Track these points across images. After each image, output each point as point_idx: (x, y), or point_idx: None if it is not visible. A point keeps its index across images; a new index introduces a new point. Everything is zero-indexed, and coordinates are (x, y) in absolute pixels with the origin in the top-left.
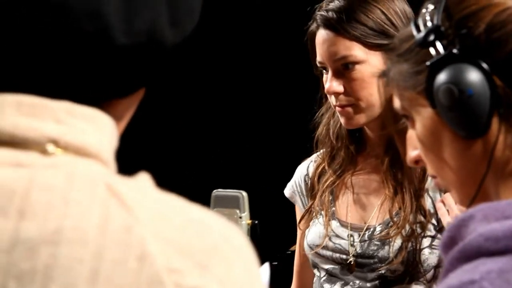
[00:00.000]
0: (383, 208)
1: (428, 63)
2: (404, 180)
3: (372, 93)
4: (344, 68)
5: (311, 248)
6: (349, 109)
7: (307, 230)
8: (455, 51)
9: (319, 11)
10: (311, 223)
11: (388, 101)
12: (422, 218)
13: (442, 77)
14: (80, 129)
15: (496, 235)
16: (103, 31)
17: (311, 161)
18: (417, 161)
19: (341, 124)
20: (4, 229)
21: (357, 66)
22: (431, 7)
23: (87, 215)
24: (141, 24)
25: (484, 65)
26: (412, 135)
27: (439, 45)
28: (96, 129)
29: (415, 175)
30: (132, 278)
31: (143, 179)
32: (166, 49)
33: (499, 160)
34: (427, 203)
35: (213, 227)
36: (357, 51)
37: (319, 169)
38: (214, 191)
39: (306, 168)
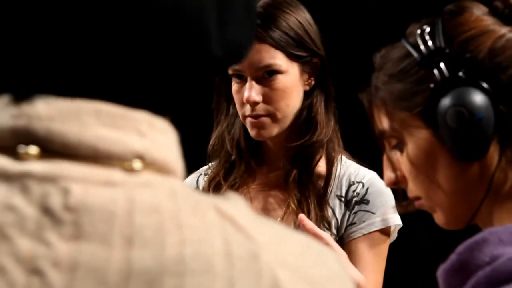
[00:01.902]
0: (285, 221)
1: (432, 85)
2: (309, 192)
3: (289, 104)
4: (265, 77)
5: None
6: (265, 119)
7: None
8: (460, 74)
9: None
10: None
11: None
12: (325, 230)
13: (449, 99)
14: (161, 143)
15: None
16: (202, 40)
17: (200, 174)
18: (396, 182)
19: (241, 135)
20: (111, 260)
21: (279, 76)
22: (427, 28)
23: (207, 241)
24: (231, 35)
25: (489, 89)
26: (390, 156)
27: (443, 67)
28: (171, 144)
29: (318, 187)
30: None
31: (239, 201)
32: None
33: (495, 182)
34: (329, 214)
35: (325, 253)
36: (280, 60)
37: (214, 183)
38: None
39: (195, 181)
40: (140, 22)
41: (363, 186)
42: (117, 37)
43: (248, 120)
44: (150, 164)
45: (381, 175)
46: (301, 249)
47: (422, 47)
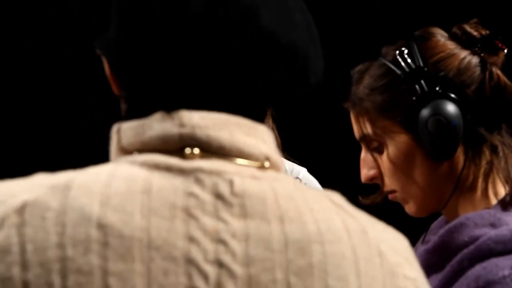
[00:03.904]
0: None
1: (414, 97)
2: None
3: None
4: None
5: None
6: None
7: None
8: (437, 88)
9: None
10: None
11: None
12: None
13: (429, 110)
14: (273, 148)
15: (503, 239)
16: (306, 72)
17: None
18: (372, 178)
19: None
20: (271, 232)
21: None
22: (405, 50)
23: (331, 220)
24: (317, 68)
25: (459, 102)
26: (367, 157)
27: (423, 83)
28: (275, 148)
29: None
30: (378, 271)
31: (337, 194)
32: None
33: (461, 177)
34: None
35: (395, 232)
36: None
37: None
38: None
39: None
40: (269, 60)
41: (300, 181)
42: (252, 74)
43: None
44: (273, 164)
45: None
46: (384, 227)
47: (404, 66)
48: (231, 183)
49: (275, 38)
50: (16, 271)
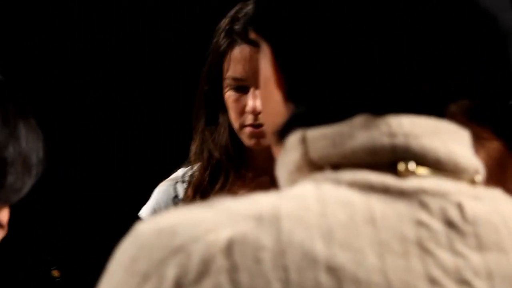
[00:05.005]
0: None
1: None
2: None
3: None
4: None
5: None
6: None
7: None
8: None
9: (234, 25)
10: None
11: None
12: None
13: None
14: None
15: None
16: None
17: (176, 182)
18: None
19: (229, 142)
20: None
21: None
22: None
23: None
24: None
25: None
26: None
27: None
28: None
29: None
30: None
31: None
32: None
33: None
34: None
35: None
36: None
37: (200, 189)
38: None
39: (172, 189)
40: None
41: None
42: (464, 63)
43: (248, 129)
44: (481, 178)
45: None
46: None
47: None
48: (460, 207)
49: (495, 21)
50: None
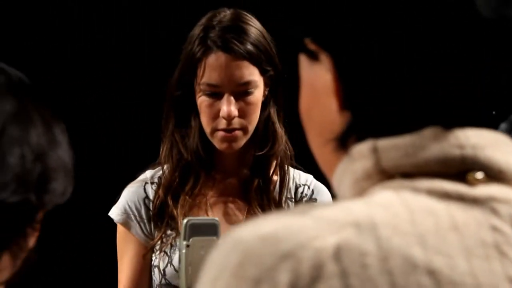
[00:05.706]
0: None
1: None
2: (269, 198)
3: (257, 116)
4: (243, 92)
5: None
6: (238, 133)
7: (173, 255)
8: None
9: (209, 33)
10: (168, 250)
11: None
12: None
13: None
14: None
15: None
16: None
17: (146, 183)
18: None
19: (199, 145)
20: None
21: (255, 91)
22: None
23: None
24: None
25: None
26: None
27: None
28: None
29: (274, 193)
30: None
31: None
32: None
33: None
34: None
35: None
36: (256, 76)
37: (171, 191)
38: (187, 219)
39: (142, 190)
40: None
41: (308, 188)
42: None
43: (220, 133)
44: None
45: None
46: None
47: None
48: None
49: None
50: None
